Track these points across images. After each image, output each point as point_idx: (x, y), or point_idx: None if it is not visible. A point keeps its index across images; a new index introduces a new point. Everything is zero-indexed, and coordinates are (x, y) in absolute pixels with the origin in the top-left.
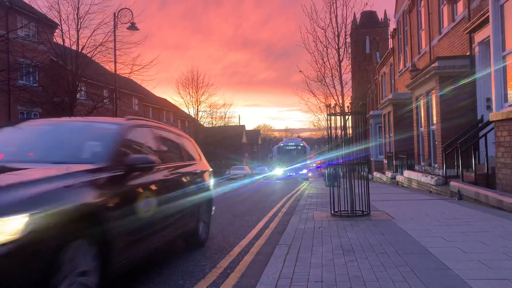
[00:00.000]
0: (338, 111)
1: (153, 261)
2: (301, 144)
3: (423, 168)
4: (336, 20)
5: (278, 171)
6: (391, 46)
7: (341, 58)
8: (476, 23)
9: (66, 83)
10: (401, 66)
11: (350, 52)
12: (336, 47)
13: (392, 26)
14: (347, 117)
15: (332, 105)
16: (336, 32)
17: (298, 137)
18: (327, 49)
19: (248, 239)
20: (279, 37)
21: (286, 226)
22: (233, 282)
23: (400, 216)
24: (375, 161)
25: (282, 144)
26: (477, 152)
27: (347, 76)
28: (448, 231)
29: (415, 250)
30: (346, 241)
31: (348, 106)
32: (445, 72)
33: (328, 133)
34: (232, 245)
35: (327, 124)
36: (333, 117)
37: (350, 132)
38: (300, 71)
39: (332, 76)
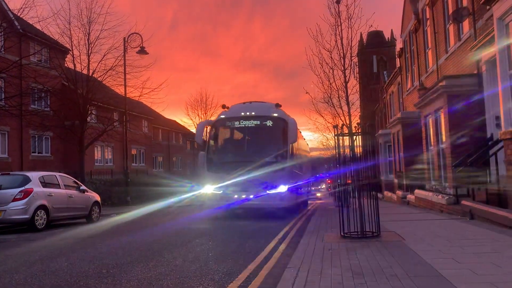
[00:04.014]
0: (346, 131)
1: (162, 285)
2: (274, 115)
3: (434, 187)
4: (342, 42)
5: (209, 189)
6: (399, 65)
7: (347, 79)
8: (482, 42)
9: (77, 107)
10: (409, 85)
11: (357, 71)
12: (342, 69)
13: (399, 45)
14: (355, 137)
15: (340, 125)
16: (342, 54)
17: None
18: (333, 71)
19: (257, 263)
20: (287, 58)
21: (296, 248)
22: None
23: (411, 236)
24: (385, 180)
25: (223, 116)
26: (488, 170)
27: (354, 97)
28: (460, 252)
29: (425, 273)
30: (356, 264)
31: (355, 126)
32: (453, 91)
33: (336, 153)
34: (242, 268)
35: (335, 143)
36: (341, 137)
37: (359, 150)
38: (306, 93)
39: (339, 97)
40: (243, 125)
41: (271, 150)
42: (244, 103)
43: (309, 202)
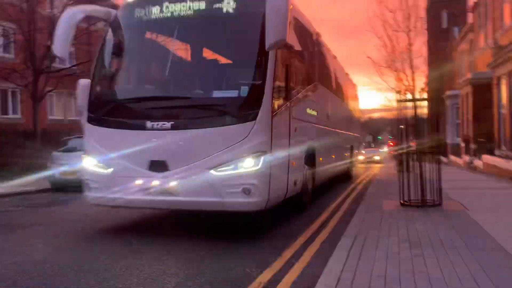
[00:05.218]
0: (409, 97)
1: (221, 248)
2: None
3: (504, 153)
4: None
5: (90, 162)
6: (471, 21)
7: (411, 42)
8: None
9: None
10: (482, 43)
11: (425, 28)
12: (407, 31)
13: None
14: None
15: (403, 91)
16: (406, 15)
17: None
18: (397, 33)
19: (313, 229)
20: (348, 15)
21: (353, 215)
22: (297, 272)
23: (475, 207)
24: (451, 144)
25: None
26: None
27: (419, 61)
28: None
29: (487, 246)
30: (414, 234)
31: (420, 92)
32: None
33: (398, 117)
34: (296, 235)
35: (397, 106)
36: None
37: (426, 112)
38: (368, 57)
39: (402, 61)
40: (170, 15)
41: (229, 71)
42: None
43: (363, 166)
